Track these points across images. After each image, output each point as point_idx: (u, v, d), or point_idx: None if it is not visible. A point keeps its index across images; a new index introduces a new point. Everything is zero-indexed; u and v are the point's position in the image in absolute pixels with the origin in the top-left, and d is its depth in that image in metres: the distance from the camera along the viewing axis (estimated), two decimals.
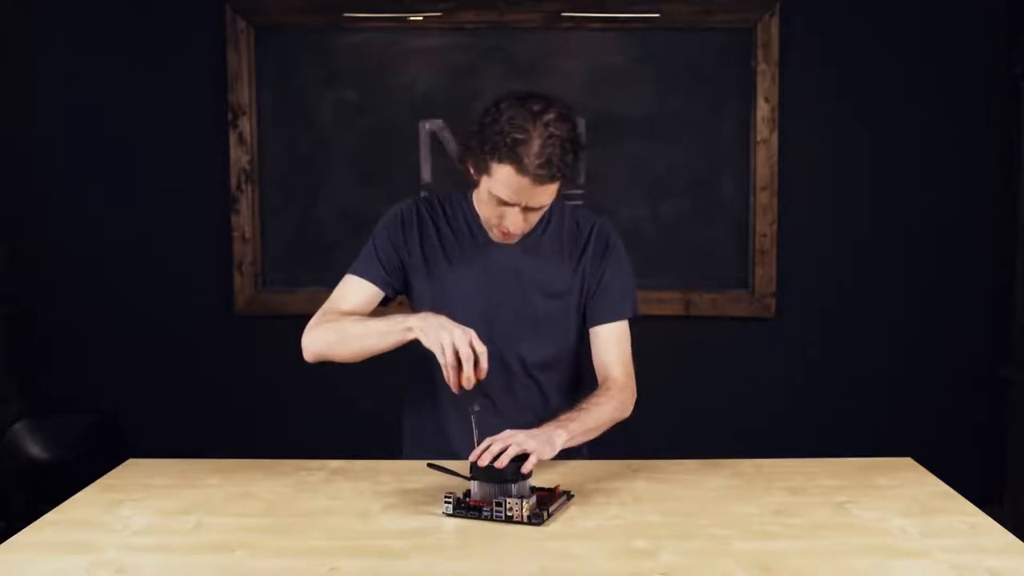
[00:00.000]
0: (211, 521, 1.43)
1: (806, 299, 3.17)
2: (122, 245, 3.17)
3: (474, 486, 1.46)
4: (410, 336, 1.56)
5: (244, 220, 3.14)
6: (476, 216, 1.76)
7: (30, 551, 1.32)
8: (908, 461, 1.75)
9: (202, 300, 3.20)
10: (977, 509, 1.47)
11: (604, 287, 1.78)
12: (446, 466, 1.57)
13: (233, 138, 3.12)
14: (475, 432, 1.52)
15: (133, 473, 1.70)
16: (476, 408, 1.54)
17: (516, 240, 1.71)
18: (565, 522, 1.43)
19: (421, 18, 3.08)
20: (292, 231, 3.18)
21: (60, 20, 3.13)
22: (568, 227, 1.80)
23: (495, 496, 1.43)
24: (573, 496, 1.52)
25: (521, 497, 1.42)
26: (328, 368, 3.19)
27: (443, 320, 1.54)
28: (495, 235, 1.71)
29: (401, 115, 3.13)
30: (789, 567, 1.24)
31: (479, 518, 1.42)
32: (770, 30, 3.07)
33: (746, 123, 3.12)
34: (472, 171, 1.65)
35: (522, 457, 1.46)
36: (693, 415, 3.02)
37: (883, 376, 3.19)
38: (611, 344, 1.78)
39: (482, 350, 1.51)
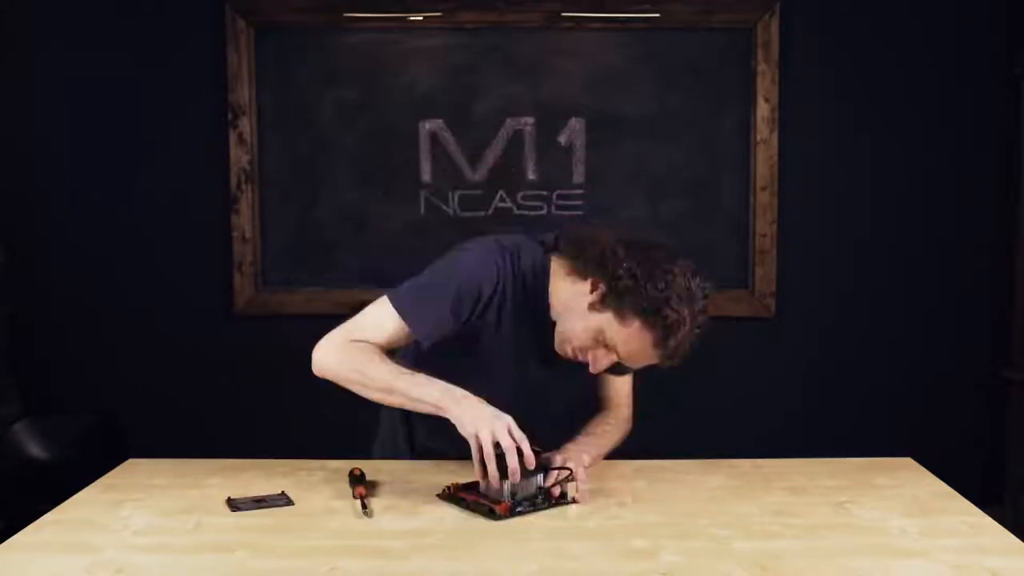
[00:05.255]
0: (211, 521, 1.43)
1: (806, 299, 3.17)
2: (122, 245, 3.17)
3: (507, 485, 1.44)
4: (442, 415, 1.48)
5: (244, 220, 3.14)
6: (546, 305, 1.59)
7: (30, 551, 1.32)
8: (908, 461, 1.75)
9: (202, 300, 3.19)
10: (977, 509, 1.47)
11: None
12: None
13: (233, 138, 3.11)
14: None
15: (133, 473, 1.71)
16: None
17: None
18: (565, 522, 1.43)
19: (421, 18, 3.08)
20: (292, 231, 3.18)
21: (59, 20, 3.12)
22: None
23: (534, 492, 1.46)
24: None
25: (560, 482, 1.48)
26: None
27: (479, 405, 1.46)
28: (566, 352, 1.56)
29: (401, 115, 3.12)
30: (789, 567, 1.24)
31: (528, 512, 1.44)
32: (770, 30, 3.07)
33: (746, 123, 3.12)
34: (596, 293, 1.50)
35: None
36: (693, 415, 3.01)
37: (883, 376, 3.19)
38: (608, 380, 1.73)
39: (520, 436, 1.43)
